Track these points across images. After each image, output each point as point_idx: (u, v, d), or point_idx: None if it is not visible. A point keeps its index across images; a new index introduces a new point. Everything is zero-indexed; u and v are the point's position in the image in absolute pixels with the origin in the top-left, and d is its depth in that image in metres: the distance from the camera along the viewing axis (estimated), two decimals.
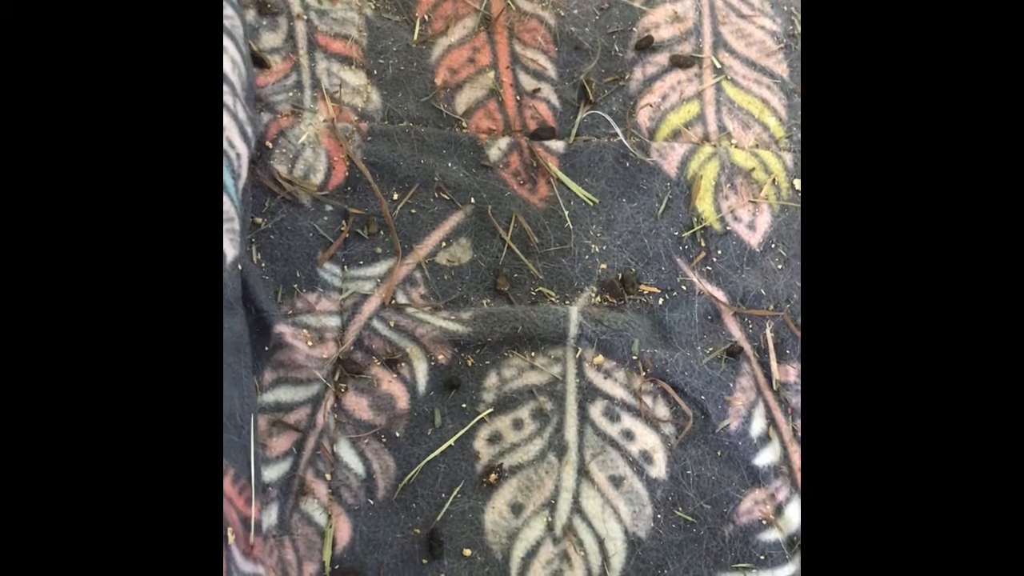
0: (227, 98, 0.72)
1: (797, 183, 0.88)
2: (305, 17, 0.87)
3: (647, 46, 0.92)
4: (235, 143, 0.73)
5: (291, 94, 0.84)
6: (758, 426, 0.78)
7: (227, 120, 0.72)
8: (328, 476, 0.72)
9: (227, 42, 0.74)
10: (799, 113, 0.91)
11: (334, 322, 0.77)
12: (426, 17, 0.90)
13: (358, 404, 0.75)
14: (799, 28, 0.94)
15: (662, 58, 0.92)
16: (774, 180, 0.88)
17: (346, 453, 0.73)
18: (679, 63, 0.91)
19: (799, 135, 0.90)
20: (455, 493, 0.73)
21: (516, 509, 0.73)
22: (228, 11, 0.76)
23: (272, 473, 0.72)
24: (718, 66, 0.92)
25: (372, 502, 0.72)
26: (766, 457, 0.78)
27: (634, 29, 0.92)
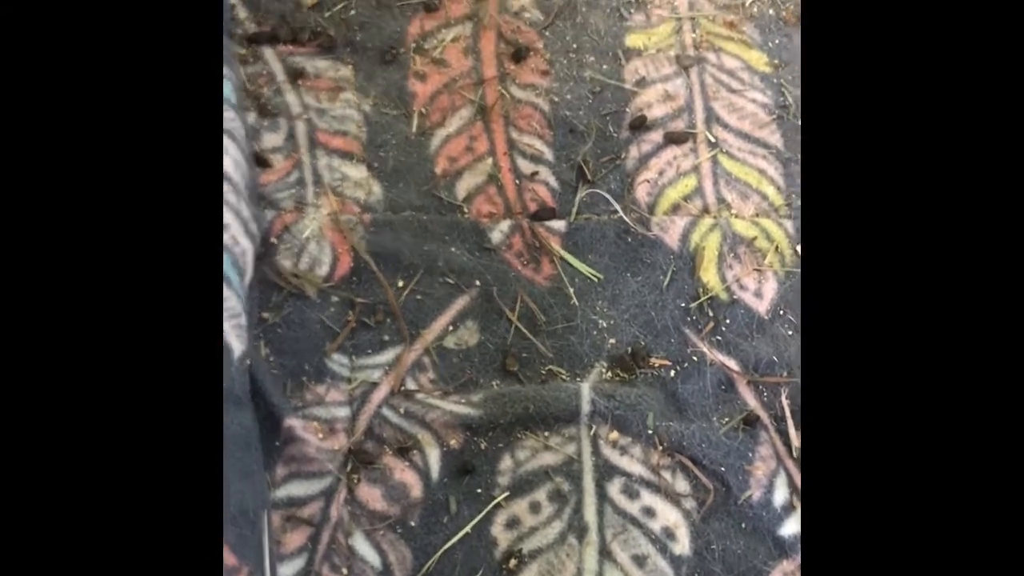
0: (230, 196, 0.74)
1: (800, 249, 0.88)
2: (305, 116, 0.89)
3: (641, 125, 0.93)
4: (239, 240, 0.74)
5: (294, 191, 0.85)
6: (781, 495, 0.77)
7: (230, 218, 0.73)
8: (344, 570, 0.71)
9: (229, 143, 0.76)
10: (797, 181, 0.92)
11: (344, 412, 0.76)
12: (423, 110, 0.92)
13: (371, 495, 0.74)
14: (791, 99, 0.96)
15: (656, 135, 0.93)
16: (777, 247, 0.88)
17: (361, 546, 0.72)
18: (673, 139, 0.93)
19: (798, 202, 0.90)
20: None
21: None
22: (229, 113, 0.78)
23: (288, 570, 0.70)
24: (712, 140, 0.93)
25: None
26: (791, 527, 0.76)
27: (627, 109, 0.94)
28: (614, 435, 0.77)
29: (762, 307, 0.85)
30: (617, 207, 0.88)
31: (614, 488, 0.76)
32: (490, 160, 0.90)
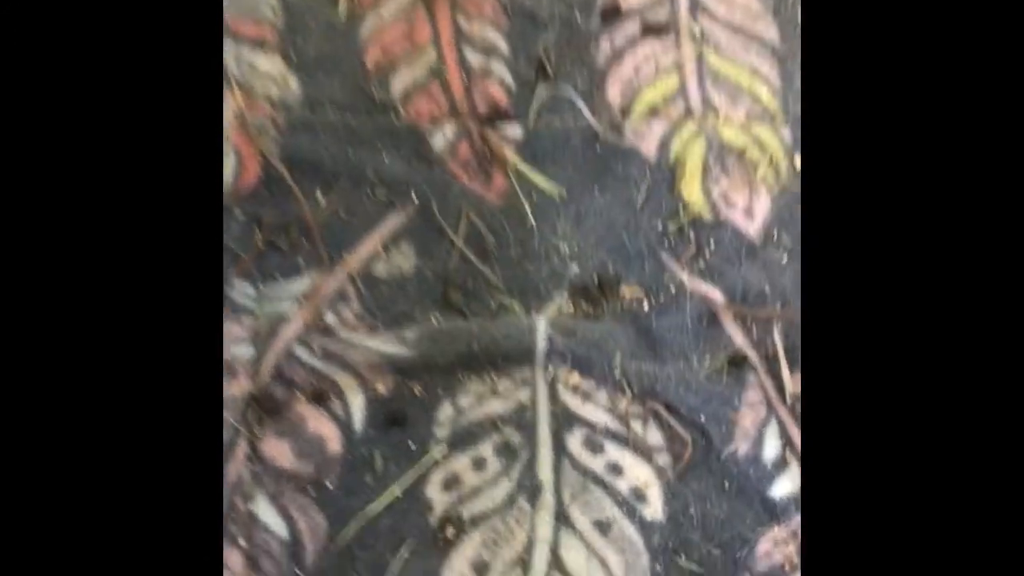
0: None
1: (798, 160, 0.83)
2: None
3: (614, 13, 0.87)
4: None
5: None
6: (771, 449, 0.71)
7: None
8: (243, 541, 0.67)
9: None
10: (795, 82, 0.85)
11: (247, 352, 0.72)
12: None
13: (279, 450, 0.69)
14: None
15: (632, 26, 0.87)
16: (771, 159, 0.82)
17: (265, 512, 0.68)
18: (652, 31, 0.86)
19: (797, 106, 0.84)
20: (404, 553, 0.66)
21: (481, 569, 0.66)
22: None
23: None
24: (697, 33, 0.87)
25: (299, 572, 0.66)
26: (784, 486, 0.70)
27: None
28: (575, 378, 0.73)
29: (753, 228, 0.79)
30: (585, 110, 0.82)
31: (574, 441, 0.71)
32: (432, 51, 0.84)
